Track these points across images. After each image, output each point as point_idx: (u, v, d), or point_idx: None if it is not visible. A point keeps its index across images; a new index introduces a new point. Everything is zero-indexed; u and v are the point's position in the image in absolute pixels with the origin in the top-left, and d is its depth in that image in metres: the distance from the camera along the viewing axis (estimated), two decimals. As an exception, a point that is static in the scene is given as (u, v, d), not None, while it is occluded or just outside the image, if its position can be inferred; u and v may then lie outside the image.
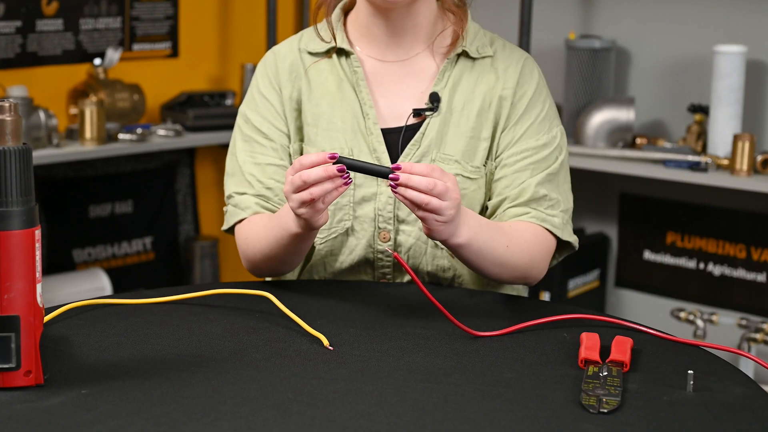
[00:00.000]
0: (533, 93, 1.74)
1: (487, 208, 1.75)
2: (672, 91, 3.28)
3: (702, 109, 3.09)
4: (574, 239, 1.74)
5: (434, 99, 1.73)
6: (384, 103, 1.75)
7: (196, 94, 3.46)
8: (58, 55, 3.23)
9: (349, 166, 1.47)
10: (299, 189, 1.48)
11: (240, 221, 1.75)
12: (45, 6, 3.17)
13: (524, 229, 1.68)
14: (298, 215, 1.53)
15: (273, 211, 1.73)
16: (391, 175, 1.47)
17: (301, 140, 1.76)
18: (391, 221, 1.73)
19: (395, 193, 1.48)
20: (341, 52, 1.77)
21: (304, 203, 1.50)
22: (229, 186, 1.77)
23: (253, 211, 1.73)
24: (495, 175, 1.73)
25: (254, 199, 1.73)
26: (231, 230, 1.78)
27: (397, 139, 1.73)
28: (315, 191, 1.48)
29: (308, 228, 1.56)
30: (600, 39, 3.25)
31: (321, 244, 1.75)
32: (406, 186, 1.46)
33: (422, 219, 1.50)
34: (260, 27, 3.68)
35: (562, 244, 1.75)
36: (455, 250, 1.58)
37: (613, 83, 3.31)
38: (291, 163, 1.76)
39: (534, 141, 1.73)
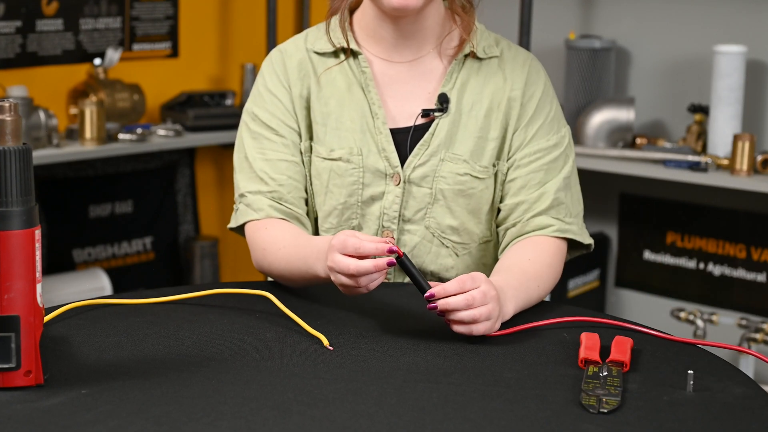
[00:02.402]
0: (542, 94, 1.76)
1: (499, 210, 1.76)
2: (672, 91, 3.28)
3: (702, 109, 3.09)
4: (592, 241, 1.77)
5: (443, 100, 1.73)
6: (392, 103, 1.75)
7: (196, 94, 3.46)
8: (58, 55, 3.23)
9: (402, 266, 1.45)
10: (346, 274, 1.46)
11: (251, 221, 1.73)
12: (45, 6, 3.17)
13: (542, 252, 1.69)
14: (336, 285, 1.52)
15: (287, 213, 1.72)
16: (429, 305, 1.45)
17: (311, 138, 1.76)
18: (396, 220, 1.73)
19: (448, 321, 1.46)
20: (349, 53, 1.76)
21: (346, 286, 1.49)
22: (241, 183, 1.75)
23: (266, 214, 1.71)
24: (508, 175, 1.74)
25: (268, 201, 1.72)
26: (238, 228, 1.77)
27: (405, 139, 1.73)
28: (362, 281, 1.46)
29: None
30: (600, 39, 3.25)
31: (327, 242, 1.76)
32: (446, 310, 1.44)
33: (467, 329, 1.46)
34: (260, 27, 3.67)
35: (575, 244, 1.76)
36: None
37: (613, 83, 3.31)
38: (302, 161, 1.75)
39: (545, 141, 1.74)
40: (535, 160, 1.73)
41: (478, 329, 1.45)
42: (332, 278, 1.50)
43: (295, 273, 1.64)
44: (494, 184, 1.75)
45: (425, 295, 1.45)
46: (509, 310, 1.53)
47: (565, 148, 1.76)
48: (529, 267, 1.65)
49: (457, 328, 1.45)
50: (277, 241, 1.69)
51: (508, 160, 1.74)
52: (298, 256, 1.63)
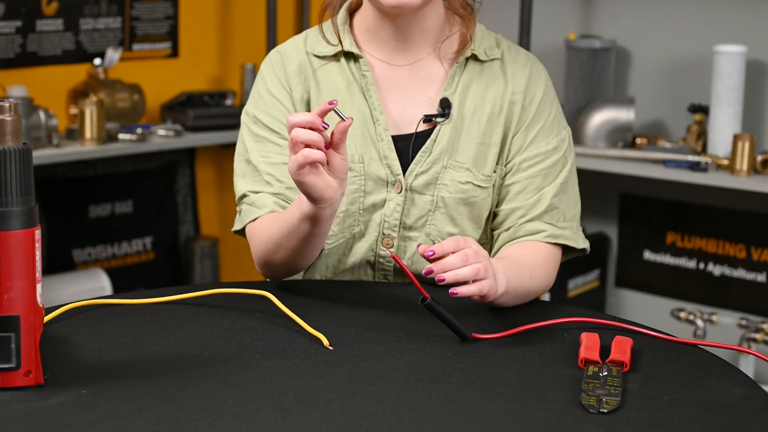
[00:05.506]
0: (542, 95, 1.74)
1: (495, 214, 1.74)
2: (672, 91, 3.28)
3: (702, 109, 3.09)
4: (587, 244, 1.75)
5: (445, 105, 1.71)
6: (394, 108, 1.73)
7: (196, 94, 3.46)
8: (58, 55, 3.23)
9: (432, 311, 1.46)
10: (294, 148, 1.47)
11: (253, 220, 1.71)
12: (45, 6, 3.17)
13: (537, 253, 1.68)
14: (301, 183, 1.49)
15: None
16: (426, 269, 1.45)
17: None
18: (397, 228, 1.71)
19: (454, 293, 1.46)
20: (349, 56, 1.74)
21: (301, 165, 1.47)
22: (242, 186, 1.73)
23: (269, 209, 1.69)
24: (506, 180, 1.73)
25: (272, 198, 1.69)
26: (242, 231, 1.74)
27: (407, 146, 1.71)
28: (302, 137, 1.46)
29: (315, 202, 1.52)
30: (600, 39, 3.25)
31: (329, 247, 1.74)
32: (444, 270, 1.45)
33: (478, 287, 1.48)
34: (260, 27, 3.67)
35: (571, 248, 1.74)
36: (499, 300, 1.56)
37: (613, 83, 3.31)
38: None
39: (545, 145, 1.72)
40: (534, 165, 1.72)
41: (483, 287, 1.47)
42: (290, 165, 1.48)
43: (284, 229, 1.61)
44: (492, 190, 1.73)
45: (426, 254, 1.45)
46: (501, 281, 1.53)
47: (565, 152, 1.74)
48: (521, 259, 1.65)
49: (463, 290, 1.46)
50: (268, 219, 1.68)
51: (506, 165, 1.73)
52: (284, 217, 1.62)
